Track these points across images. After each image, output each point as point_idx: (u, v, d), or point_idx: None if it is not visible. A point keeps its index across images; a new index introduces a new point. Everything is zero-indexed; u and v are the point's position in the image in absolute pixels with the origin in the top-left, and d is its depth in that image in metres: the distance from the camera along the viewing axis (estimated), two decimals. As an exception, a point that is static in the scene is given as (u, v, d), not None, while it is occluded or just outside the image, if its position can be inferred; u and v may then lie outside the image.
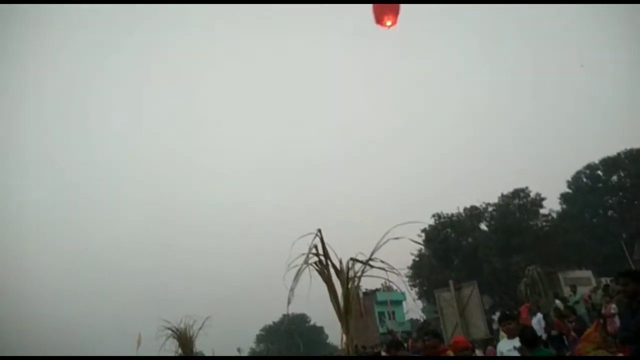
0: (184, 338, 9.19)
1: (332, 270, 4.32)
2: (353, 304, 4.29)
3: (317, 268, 4.28)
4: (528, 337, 5.57)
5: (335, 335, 54.85)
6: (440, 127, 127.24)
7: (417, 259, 38.79)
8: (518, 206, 36.60)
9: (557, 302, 16.70)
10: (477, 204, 38.15)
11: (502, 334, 9.55)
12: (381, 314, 43.15)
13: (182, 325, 9.18)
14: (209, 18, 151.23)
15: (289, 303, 4.03)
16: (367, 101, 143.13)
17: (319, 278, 4.39)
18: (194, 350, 9.41)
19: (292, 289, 4.08)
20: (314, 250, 4.28)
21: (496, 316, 14.07)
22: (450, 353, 6.10)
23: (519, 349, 6.04)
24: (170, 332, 9.20)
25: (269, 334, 62.12)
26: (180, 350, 9.26)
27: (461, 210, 38.24)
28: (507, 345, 6.49)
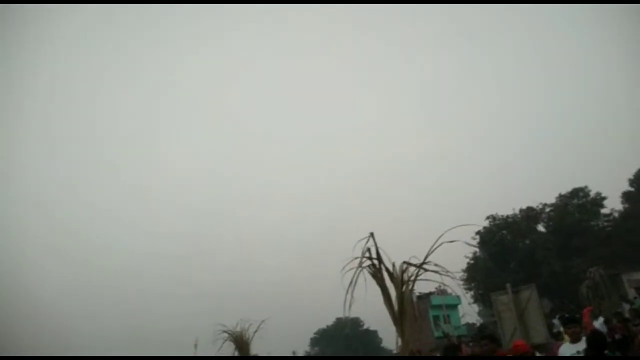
0: (240, 341, 9.39)
1: (385, 274, 4.33)
2: (407, 307, 4.29)
3: (370, 272, 4.30)
4: (598, 342, 5.32)
5: (389, 338, 54.44)
6: (494, 129, 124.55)
7: (471, 261, 37.99)
8: (577, 206, 35.27)
9: (625, 305, 15.98)
10: (534, 205, 37.04)
11: (565, 337, 9.25)
12: (436, 317, 42.44)
13: (238, 329, 9.40)
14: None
15: (349, 306, 4.06)
16: (420, 106, 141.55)
17: (373, 281, 4.41)
18: (250, 352, 9.60)
19: (349, 293, 4.11)
20: (367, 254, 4.31)
21: (556, 320, 13.61)
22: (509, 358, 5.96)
23: (584, 353, 5.83)
24: (226, 335, 9.43)
25: (323, 337, 62.27)
26: (236, 353, 9.48)
27: (517, 212, 37.21)
28: (571, 349, 6.27)
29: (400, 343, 4.33)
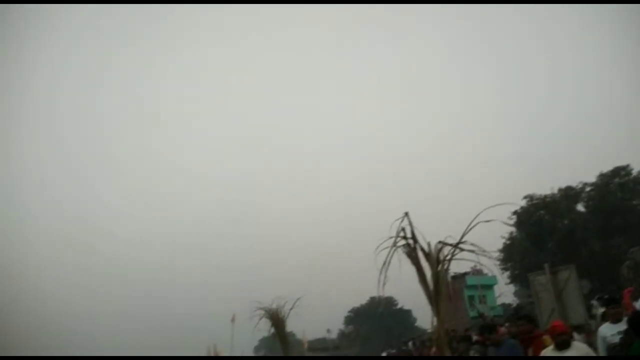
0: (275, 318, 9.54)
1: (420, 253, 4.32)
2: (442, 287, 4.27)
3: (405, 251, 4.29)
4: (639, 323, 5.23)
5: (423, 318, 54.33)
6: (529, 107, 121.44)
7: (508, 242, 37.42)
8: (619, 185, 34.21)
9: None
10: (573, 184, 36.09)
11: (598, 318, 9.08)
12: (471, 297, 42.14)
13: (273, 306, 9.54)
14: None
15: (383, 285, 4.08)
16: (456, 83, 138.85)
17: (408, 261, 4.40)
18: (286, 330, 9.75)
19: (383, 272, 4.12)
20: (402, 234, 4.29)
21: (595, 301, 13.34)
22: (547, 338, 5.90)
23: (624, 333, 5.73)
24: (263, 312, 9.58)
25: (357, 316, 62.64)
26: (272, 330, 9.64)
27: (555, 191, 36.35)
28: (611, 329, 6.18)
29: (435, 322, 4.33)
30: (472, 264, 5.00)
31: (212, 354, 33.52)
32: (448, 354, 4.30)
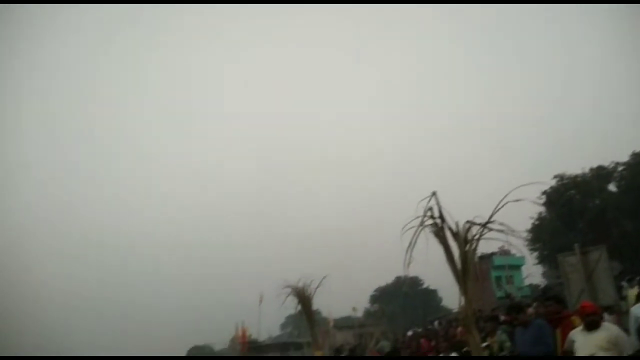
0: (302, 296, 9.63)
1: (448, 233, 4.29)
2: (470, 267, 4.24)
3: (432, 230, 4.26)
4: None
5: (449, 298, 54.32)
6: (559, 86, 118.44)
7: (537, 222, 36.88)
8: (653, 164, 33.27)
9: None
10: (605, 164, 35.21)
11: (630, 298, 8.93)
12: (498, 278, 41.88)
13: (300, 285, 9.63)
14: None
15: (408, 265, 4.07)
16: (490, 66, 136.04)
17: (434, 241, 4.37)
18: (312, 308, 9.85)
19: (409, 252, 4.11)
20: (429, 213, 4.26)
21: (626, 282, 13.11)
22: (576, 319, 5.83)
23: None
24: (289, 290, 9.68)
25: (382, 295, 62.83)
26: (299, 307, 9.75)
27: (586, 171, 35.54)
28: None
29: (462, 302, 4.31)
30: (500, 245, 4.95)
31: (240, 333, 34.20)
32: (475, 333, 4.28)
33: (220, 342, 62.47)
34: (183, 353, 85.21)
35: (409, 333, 13.63)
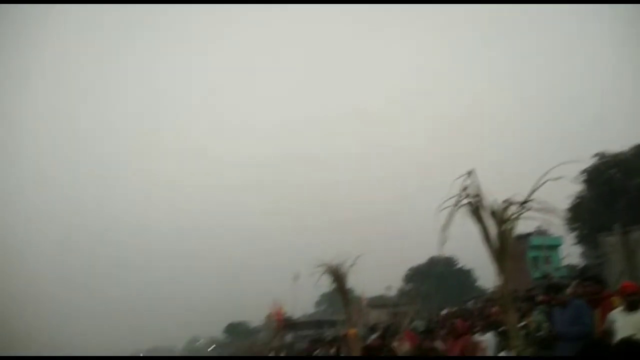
0: (336, 274, 9.70)
1: (485, 212, 4.24)
2: (507, 246, 4.19)
3: (469, 209, 4.22)
4: None
5: (484, 278, 53.85)
6: (602, 64, 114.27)
7: (576, 201, 35.99)
8: (701, 142, 31.95)
9: None
10: (648, 141, 33.94)
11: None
12: (535, 258, 41.23)
13: (334, 263, 9.68)
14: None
15: (443, 244, 4.05)
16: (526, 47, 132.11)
17: (470, 220, 4.33)
18: (346, 286, 9.91)
19: (444, 231, 4.08)
20: (466, 192, 4.22)
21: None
22: (616, 299, 5.72)
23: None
24: (324, 268, 9.75)
25: (416, 274, 62.71)
26: (334, 286, 9.83)
27: (627, 149, 34.35)
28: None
29: (498, 282, 4.28)
30: (537, 225, 4.87)
31: (275, 311, 34.79)
32: (512, 313, 4.25)
33: (255, 319, 63.75)
34: (220, 329, 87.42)
35: (444, 312, 13.55)
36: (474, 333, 7.22)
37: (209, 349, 76.60)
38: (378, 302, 46.78)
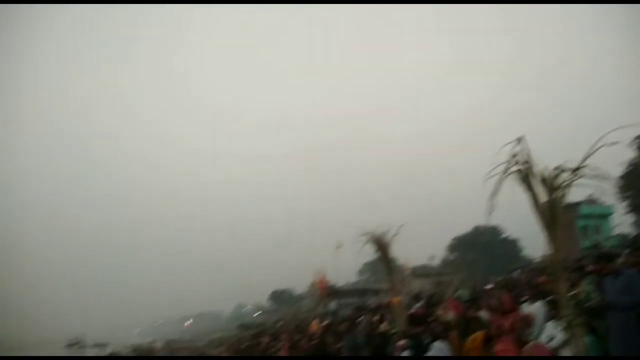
0: (379, 243, 9.70)
1: (535, 179, 4.12)
2: (558, 214, 4.08)
3: (519, 177, 4.10)
4: None
5: (531, 247, 52.90)
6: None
7: (630, 168, 34.57)
8: None
9: None
10: None
11: None
12: (584, 227, 40.11)
13: (378, 232, 9.67)
14: None
15: (490, 213, 3.97)
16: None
17: (516, 189, 4.22)
18: (390, 255, 9.91)
19: (492, 199, 4.00)
20: (515, 159, 4.10)
21: None
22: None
23: None
24: (367, 237, 9.76)
25: (460, 244, 62.13)
26: (377, 255, 9.85)
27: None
28: None
29: (548, 251, 4.18)
30: (587, 194, 4.69)
31: (318, 281, 35.26)
32: (562, 282, 4.15)
33: (299, 287, 64.90)
34: (265, 297, 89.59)
35: (488, 287, 13.33)
36: (522, 303, 7.12)
37: (255, 315, 78.71)
38: (421, 272, 46.74)
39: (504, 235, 60.02)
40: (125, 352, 30.56)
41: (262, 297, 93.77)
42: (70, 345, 33.94)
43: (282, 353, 9.59)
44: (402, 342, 6.77)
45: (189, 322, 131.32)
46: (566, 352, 4.32)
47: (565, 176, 4.04)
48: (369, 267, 64.07)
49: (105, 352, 30.09)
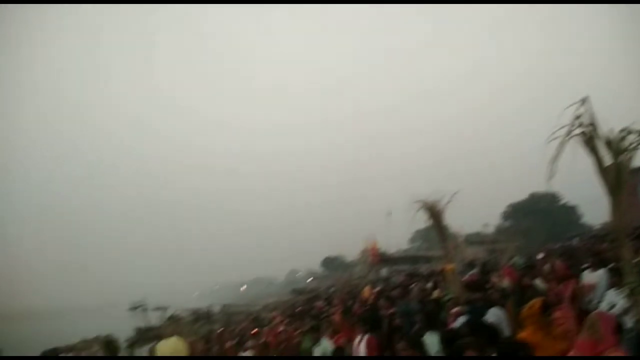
0: (433, 211, 9.60)
1: (600, 142, 3.94)
2: (623, 179, 3.90)
3: (582, 139, 3.93)
4: None
5: (591, 214, 51.01)
6: None
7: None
8: None
9: None
10: None
11: None
12: (649, 193, 38.21)
13: (431, 199, 9.57)
14: None
15: (550, 178, 3.84)
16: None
17: (577, 154, 4.05)
18: (442, 223, 9.81)
19: (553, 164, 3.86)
20: (578, 121, 3.92)
21: None
22: None
23: None
24: (419, 205, 9.66)
25: (515, 211, 60.67)
26: (430, 222, 9.76)
27: None
28: None
29: (612, 217, 4.02)
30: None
31: (369, 248, 35.41)
32: (627, 249, 4.00)
33: (351, 254, 65.40)
34: (317, 263, 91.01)
35: (539, 257, 12.92)
36: (583, 270, 6.92)
37: (308, 281, 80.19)
38: (475, 239, 46.02)
39: (562, 202, 58.07)
40: (185, 315, 31.90)
41: (314, 263, 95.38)
42: (134, 308, 35.77)
43: (336, 317, 9.75)
44: (456, 309, 6.74)
45: (244, 287, 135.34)
46: (628, 320, 4.19)
47: (632, 138, 3.85)
48: (421, 235, 63.67)
49: (166, 315, 31.55)
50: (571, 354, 2.81)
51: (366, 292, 14.71)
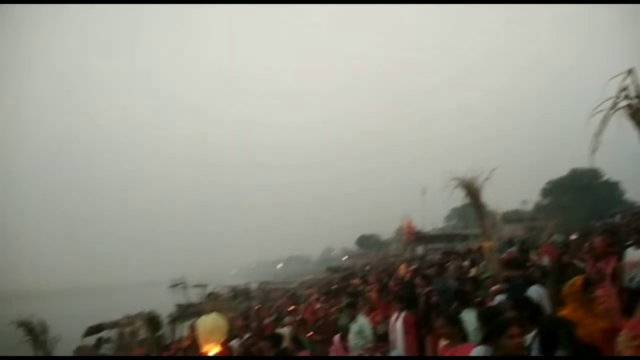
0: (470, 188, 9.46)
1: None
2: (672, 153, 3.76)
3: (629, 112, 3.78)
4: None
5: (635, 190, 49.50)
6: None
7: None
8: None
9: None
10: None
11: None
12: (697, 168, 36.75)
13: (468, 176, 9.42)
14: None
15: (593, 152, 3.73)
16: None
17: (618, 129, 3.91)
18: (480, 200, 9.67)
19: (597, 138, 3.74)
20: (624, 93, 3.78)
21: None
22: None
23: None
24: (456, 183, 9.53)
25: (555, 188, 59.22)
26: (467, 200, 9.63)
27: None
28: None
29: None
30: None
31: (405, 227, 35.28)
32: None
33: (386, 232, 65.34)
34: (352, 241, 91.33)
35: (572, 237, 12.52)
36: (626, 247, 6.75)
37: (343, 259, 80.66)
38: (513, 217, 45.32)
39: (604, 178, 56.37)
40: (223, 293, 32.64)
41: (349, 242, 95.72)
42: (174, 285, 36.79)
43: (372, 295, 9.81)
44: (496, 287, 6.70)
45: (280, 265, 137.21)
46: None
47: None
48: (457, 213, 63.08)
49: (206, 292, 32.35)
50: (623, 333, 2.75)
51: (402, 270, 14.69)
